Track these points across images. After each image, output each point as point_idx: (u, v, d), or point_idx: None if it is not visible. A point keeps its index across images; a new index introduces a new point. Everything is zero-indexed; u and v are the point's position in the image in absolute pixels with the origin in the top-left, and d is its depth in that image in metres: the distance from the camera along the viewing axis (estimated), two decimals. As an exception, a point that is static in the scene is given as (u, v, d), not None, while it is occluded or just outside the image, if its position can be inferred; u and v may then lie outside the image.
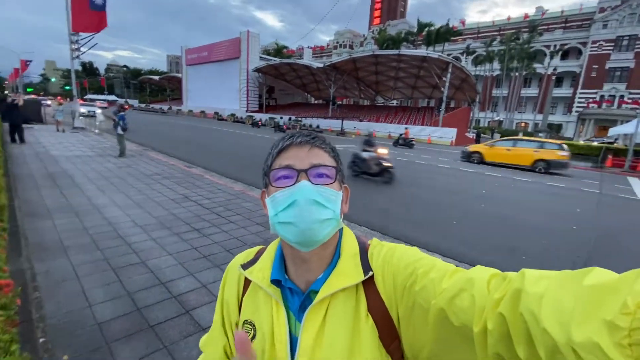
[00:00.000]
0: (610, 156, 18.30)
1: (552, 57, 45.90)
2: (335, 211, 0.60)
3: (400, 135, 22.30)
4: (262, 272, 0.66)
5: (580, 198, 8.71)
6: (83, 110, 25.74)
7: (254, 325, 0.66)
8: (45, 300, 2.67)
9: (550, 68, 45.24)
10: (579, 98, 44.71)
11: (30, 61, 34.71)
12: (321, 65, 37.11)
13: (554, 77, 29.65)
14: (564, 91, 47.14)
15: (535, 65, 45.33)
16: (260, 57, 48.01)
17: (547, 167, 13.12)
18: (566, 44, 46.38)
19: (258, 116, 40.50)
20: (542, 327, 0.33)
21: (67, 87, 62.29)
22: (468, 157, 15.49)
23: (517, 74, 46.26)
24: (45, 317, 2.46)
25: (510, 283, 0.41)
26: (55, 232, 4.02)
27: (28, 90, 52.61)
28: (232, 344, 0.72)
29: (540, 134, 20.84)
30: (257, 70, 44.98)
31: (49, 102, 39.68)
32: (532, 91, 50.21)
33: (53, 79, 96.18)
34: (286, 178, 0.59)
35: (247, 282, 0.70)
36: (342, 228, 0.67)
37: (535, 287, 0.37)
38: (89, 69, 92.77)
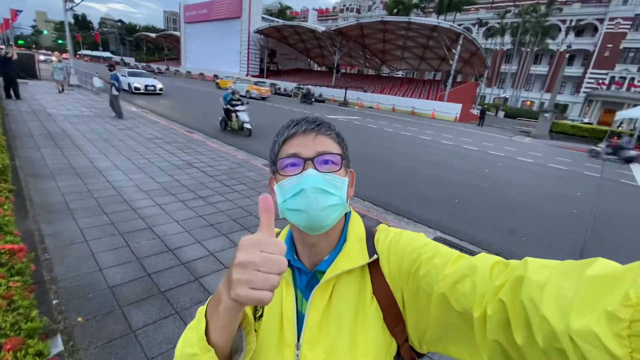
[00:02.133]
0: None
1: (567, 33, 44.05)
2: (341, 197, 0.61)
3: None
4: None
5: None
6: (138, 84, 17.55)
7: None
8: (56, 262, 2.69)
9: (563, 45, 43.57)
10: (589, 78, 43.49)
11: (21, 11, 32.74)
12: (326, 29, 35.43)
13: (567, 55, 28.63)
14: (575, 70, 45.74)
15: (549, 41, 43.58)
16: (263, 18, 45.59)
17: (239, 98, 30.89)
18: (583, 20, 44.32)
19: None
20: (541, 315, 0.33)
21: (60, 41, 59.64)
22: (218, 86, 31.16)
23: (528, 49, 44.59)
24: (57, 280, 2.50)
25: (513, 270, 0.41)
26: (60, 194, 4.00)
27: (19, 42, 50.23)
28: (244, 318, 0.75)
29: (546, 115, 20.46)
30: (259, 31, 42.90)
31: (53, 58, 33.57)
32: (541, 68, 48.70)
33: (45, 32, 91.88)
34: (293, 166, 0.60)
35: None
36: (349, 212, 0.70)
37: (537, 275, 0.37)
38: (81, 23, 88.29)
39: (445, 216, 5.01)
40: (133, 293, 2.46)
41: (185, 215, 3.86)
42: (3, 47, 20.11)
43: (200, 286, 2.63)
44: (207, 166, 5.99)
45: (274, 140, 0.65)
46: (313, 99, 27.50)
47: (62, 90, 13.47)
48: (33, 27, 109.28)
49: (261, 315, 0.69)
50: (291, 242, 0.70)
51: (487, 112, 31.00)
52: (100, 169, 5.11)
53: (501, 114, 38.35)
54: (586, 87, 43.51)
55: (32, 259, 1.81)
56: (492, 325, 0.40)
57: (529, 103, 49.23)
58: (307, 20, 62.50)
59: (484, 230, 4.66)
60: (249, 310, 0.74)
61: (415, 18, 31.11)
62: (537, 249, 4.26)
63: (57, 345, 1.83)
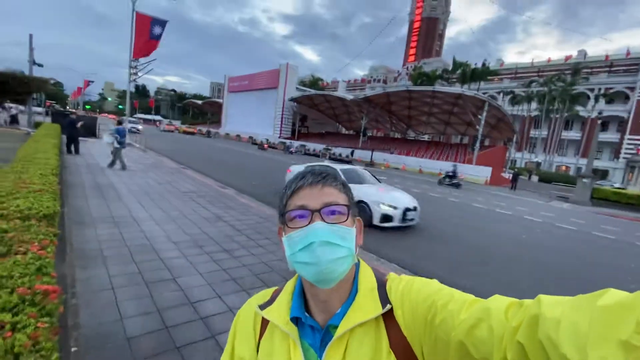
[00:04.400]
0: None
1: (596, 101, 44.05)
2: (350, 248, 0.61)
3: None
4: (279, 311, 0.67)
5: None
6: (387, 208, 6.65)
7: None
8: (82, 308, 2.74)
9: (594, 111, 43.29)
10: (627, 144, 42.05)
11: (93, 81, 38.61)
12: (354, 97, 38.03)
13: (599, 121, 28.25)
14: (610, 136, 44.65)
15: (578, 108, 43.62)
16: (297, 88, 50.25)
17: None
18: (611, 88, 44.49)
19: (292, 142, 41.78)
20: (560, 353, 0.33)
21: (121, 107, 68.13)
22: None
23: (557, 115, 44.62)
24: (80, 326, 2.51)
25: (527, 309, 0.40)
26: (97, 241, 4.21)
27: (87, 107, 58.19)
28: None
29: (584, 180, 19.56)
30: (293, 99, 46.95)
31: (139, 127, 32.68)
32: (574, 134, 48.03)
33: (109, 99, 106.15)
34: (301, 217, 0.61)
35: (264, 324, 0.69)
36: (358, 263, 0.68)
37: (552, 312, 0.36)
38: (141, 91, 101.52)
39: (481, 284, 4.63)
40: (148, 347, 2.40)
41: (209, 268, 3.88)
42: (74, 111, 23.11)
43: (216, 344, 2.53)
44: (235, 220, 6.15)
45: (282, 193, 0.67)
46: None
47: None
48: (100, 94, 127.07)
49: None
50: (300, 297, 0.67)
51: (521, 177, 30.16)
52: (137, 219, 5.40)
53: (535, 178, 37.12)
54: (626, 153, 41.79)
55: (62, 301, 1.87)
56: None
57: (564, 168, 47.63)
58: (337, 90, 67.77)
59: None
60: None
61: (440, 87, 32.82)
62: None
63: (68, 396, 1.77)
